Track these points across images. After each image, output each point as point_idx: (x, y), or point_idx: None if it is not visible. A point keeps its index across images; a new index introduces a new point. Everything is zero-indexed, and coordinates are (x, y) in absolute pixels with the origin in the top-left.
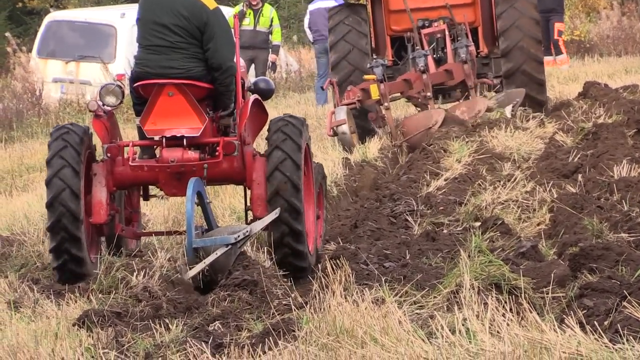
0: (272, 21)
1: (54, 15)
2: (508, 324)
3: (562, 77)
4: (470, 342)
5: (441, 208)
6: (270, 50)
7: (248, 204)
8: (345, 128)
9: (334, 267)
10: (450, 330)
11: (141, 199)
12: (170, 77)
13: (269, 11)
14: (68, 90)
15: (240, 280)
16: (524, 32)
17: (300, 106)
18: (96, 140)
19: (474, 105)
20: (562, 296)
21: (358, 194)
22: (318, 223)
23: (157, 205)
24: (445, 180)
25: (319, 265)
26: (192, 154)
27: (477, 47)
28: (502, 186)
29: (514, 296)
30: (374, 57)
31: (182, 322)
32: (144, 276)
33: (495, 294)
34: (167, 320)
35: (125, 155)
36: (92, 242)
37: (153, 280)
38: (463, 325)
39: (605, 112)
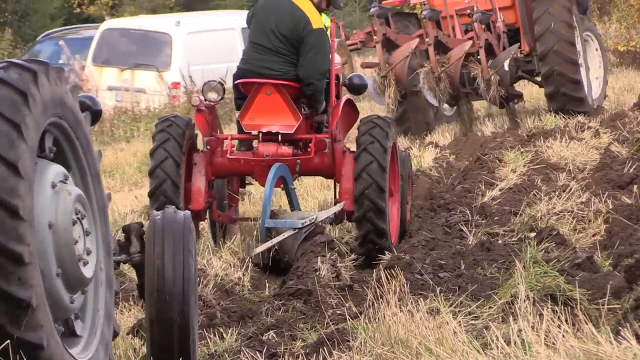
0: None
1: (109, 23)
2: (563, 335)
3: (618, 87)
4: (525, 353)
5: (496, 218)
6: None
7: (337, 196)
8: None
9: (388, 277)
10: (505, 341)
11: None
12: (268, 77)
13: (323, 19)
14: (123, 98)
15: (294, 290)
16: (557, 36)
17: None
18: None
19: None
20: (618, 307)
21: (412, 204)
22: (407, 208)
23: None
24: (500, 190)
25: (374, 275)
26: (286, 149)
27: (519, 46)
28: (558, 197)
29: (569, 307)
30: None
31: (237, 332)
32: (198, 285)
33: (551, 305)
34: (221, 330)
35: (224, 148)
36: None
37: (207, 289)
38: (518, 336)
39: None
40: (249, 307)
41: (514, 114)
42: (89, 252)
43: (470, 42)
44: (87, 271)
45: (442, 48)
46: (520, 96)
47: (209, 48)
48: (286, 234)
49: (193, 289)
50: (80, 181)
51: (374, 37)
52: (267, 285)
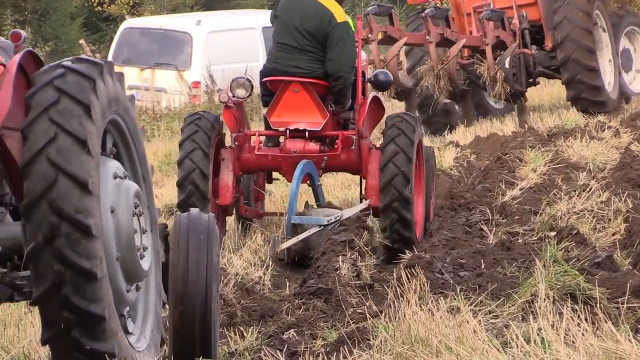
0: None
1: (130, 22)
2: (583, 334)
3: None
4: (545, 351)
5: (516, 217)
6: None
7: (362, 192)
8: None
9: (409, 276)
10: (525, 339)
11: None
12: (295, 75)
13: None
14: (143, 98)
15: (315, 289)
16: (574, 23)
17: None
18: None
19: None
20: (637, 306)
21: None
22: (430, 202)
23: None
24: (520, 189)
25: (394, 274)
26: (313, 146)
27: (542, 42)
28: (578, 196)
29: (589, 306)
30: None
31: (257, 330)
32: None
33: (571, 303)
34: (241, 328)
35: (252, 144)
36: (218, 222)
37: (228, 287)
38: (538, 335)
39: None
40: (270, 306)
41: (522, 111)
42: (145, 248)
43: (464, 40)
44: (145, 264)
45: (450, 45)
46: (523, 94)
47: (230, 47)
48: (312, 231)
49: (216, 289)
50: (133, 179)
51: (369, 35)
52: (287, 284)
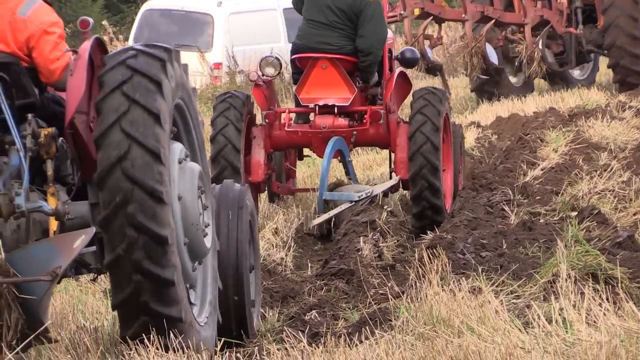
0: None
1: (150, 3)
2: (604, 314)
3: None
4: (566, 331)
5: (538, 198)
6: None
7: (392, 166)
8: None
9: (430, 256)
10: (546, 319)
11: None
12: (324, 52)
13: None
14: None
15: (336, 270)
16: (620, 10)
17: None
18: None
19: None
20: None
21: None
22: (459, 177)
23: None
24: (542, 169)
25: (416, 255)
26: (342, 121)
27: (595, 21)
28: (599, 176)
29: (610, 286)
30: None
31: (279, 311)
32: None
33: (592, 283)
34: (263, 310)
35: (282, 121)
36: None
37: None
38: (559, 315)
39: None
40: (292, 287)
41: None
42: (207, 225)
43: (494, 19)
44: (207, 241)
45: (496, 23)
46: (562, 73)
47: (251, 29)
48: (343, 207)
49: (247, 258)
50: (192, 159)
51: (401, 13)
52: (309, 265)
